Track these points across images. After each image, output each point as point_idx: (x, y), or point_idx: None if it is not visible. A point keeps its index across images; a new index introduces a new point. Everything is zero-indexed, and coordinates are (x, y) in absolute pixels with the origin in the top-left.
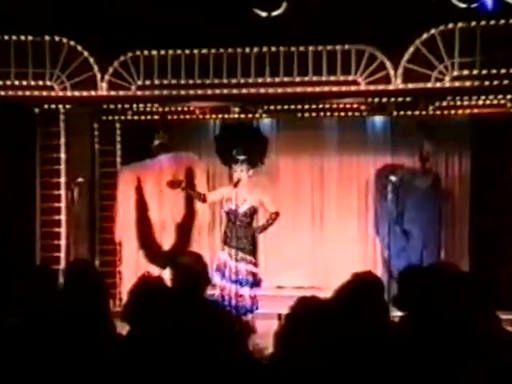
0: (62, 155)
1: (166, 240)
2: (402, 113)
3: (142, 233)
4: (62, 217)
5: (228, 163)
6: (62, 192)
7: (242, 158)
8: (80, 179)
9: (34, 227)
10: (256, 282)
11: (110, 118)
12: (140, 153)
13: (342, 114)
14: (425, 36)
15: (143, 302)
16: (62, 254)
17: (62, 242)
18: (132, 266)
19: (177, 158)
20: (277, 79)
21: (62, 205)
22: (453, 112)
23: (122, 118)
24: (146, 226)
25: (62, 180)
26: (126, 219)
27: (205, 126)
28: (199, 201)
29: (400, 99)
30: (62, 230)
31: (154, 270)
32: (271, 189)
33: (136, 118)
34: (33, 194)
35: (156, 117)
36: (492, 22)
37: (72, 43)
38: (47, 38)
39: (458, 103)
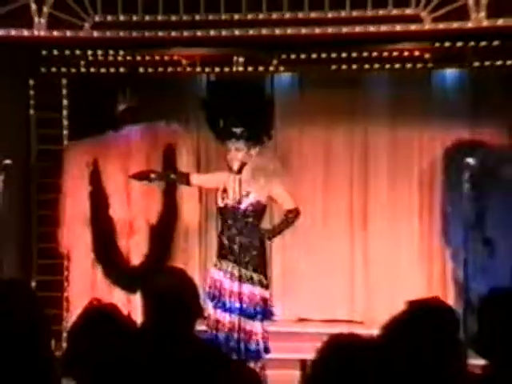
0: None
1: (136, 250)
2: (485, 63)
3: (99, 240)
4: None
5: (222, 138)
6: None
7: (238, 130)
8: (7, 161)
9: None
10: (267, 313)
11: (54, 70)
12: (97, 122)
13: (397, 65)
14: None
15: (92, 348)
16: None
17: None
18: (85, 289)
19: (152, 130)
20: (300, 15)
21: None
22: None
23: (72, 70)
24: (105, 230)
25: None
26: (75, 220)
27: (194, 85)
28: (180, 183)
29: (483, 43)
30: None
31: (118, 296)
32: (287, 176)
33: (92, 70)
34: None
35: (122, 69)
36: None
37: None
38: None
39: None
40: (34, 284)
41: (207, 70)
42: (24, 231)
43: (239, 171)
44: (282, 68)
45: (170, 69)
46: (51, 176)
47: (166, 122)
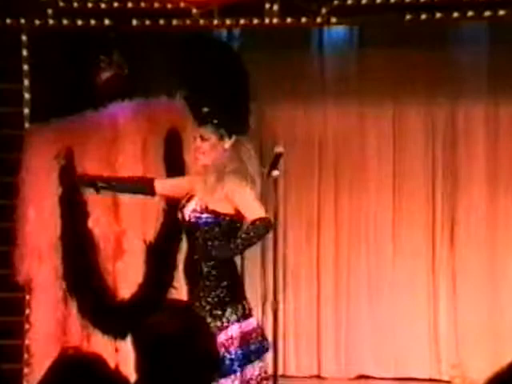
0: None
1: (126, 278)
2: None
3: (74, 264)
4: None
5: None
6: None
7: (204, 109)
8: None
9: None
10: (262, 349)
11: (9, 22)
12: (71, 97)
13: (501, 12)
14: None
15: None
16: None
17: None
18: (54, 334)
19: (148, 107)
20: None
21: None
22: None
23: (35, 22)
24: (82, 249)
25: None
26: (40, 236)
27: None
28: (141, 193)
29: None
30: None
31: (101, 343)
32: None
33: (64, 23)
34: None
35: (106, 22)
36: None
37: None
38: None
39: None
40: None
41: (228, 22)
42: None
43: (205, 170)
44: (333, 19)
45: (175, 21)
46: (6, 173)
47: (168, 96)
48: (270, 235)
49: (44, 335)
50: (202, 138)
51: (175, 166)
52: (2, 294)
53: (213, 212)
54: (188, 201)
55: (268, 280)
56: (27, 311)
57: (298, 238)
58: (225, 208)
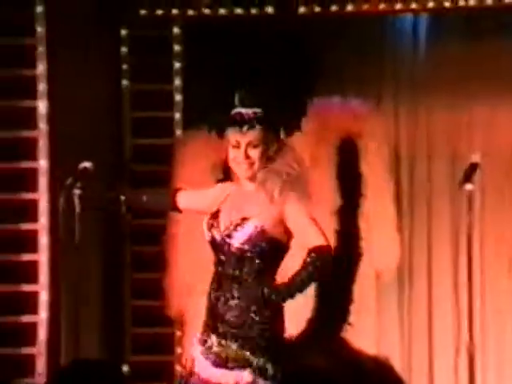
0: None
1: (294, 312)
2: None
3: None
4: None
5: (219, 126)
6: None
7: (248, 112)
8: (86, 164)
9: None
10: None
11: (159, 13)
12: (230, 98)
13: None
14: None
15: None
16: None
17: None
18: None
19: (319, 109)
20: None
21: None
22: None
23: (188, 13)
24: None
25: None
26: (195, 263)
27: (389, 34)
28: (164, 207)
29: None
30: None
31: None
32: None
33: (221, 12)
34: None
35: (269, 9)
36: None
37: None
38: None
39: None
40: (125, 369)
41: (414, 5)
42: (110, 279)
43: (251, 180)
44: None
45: (349, 7)
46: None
47: (342, 95)
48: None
49: None
50: (251, 145)
51: (349, 179)
52: (150, 329)
53: (267, 234)
54: (240, 224)
55: (461, 312)
56: (178, 351)
57: (499, 265)
58: (279, 233)
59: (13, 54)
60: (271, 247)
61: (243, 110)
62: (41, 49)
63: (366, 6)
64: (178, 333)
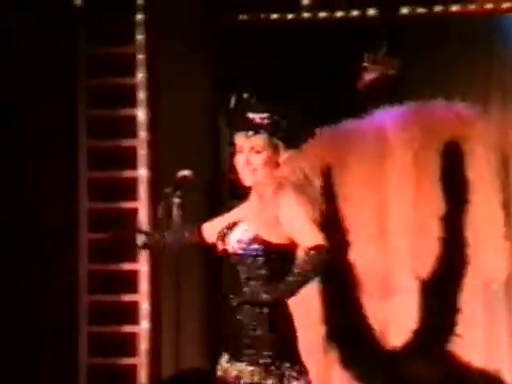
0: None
1: (397, 323)
2: None
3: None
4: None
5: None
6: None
7: (255, 116)
8: (185, 172)
9: None
10: None
11: (254, 18)
12: (328, 104)
13: None
14: None
15: None
16: None
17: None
18: None
19: (422, 112)
20: None
21: None
22: None
23: (287, 16)
24: (343, 286)
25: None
26: None
27: (497, 33)
28: (188, 242)
29: None
30: None
31: None
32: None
33: (321, 15)
34: None
35: (371, 11)
36: None
37: None
38: None
39: None
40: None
41: None
42: (212, 297)
43: (255, 188)
44: None
45: (454, 7)
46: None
47: (448, 99)
48: None
49: None
50: (254, 150)
51: (455, 184)
52: None
53: (263, 242)
54: (231, 228)
55: None
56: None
57: None
58: (276, 236)
59: (112, 63)
60: (268, 252)
61: (251, 115)
62: (140, 56)
63: (472, 7)
64: None
